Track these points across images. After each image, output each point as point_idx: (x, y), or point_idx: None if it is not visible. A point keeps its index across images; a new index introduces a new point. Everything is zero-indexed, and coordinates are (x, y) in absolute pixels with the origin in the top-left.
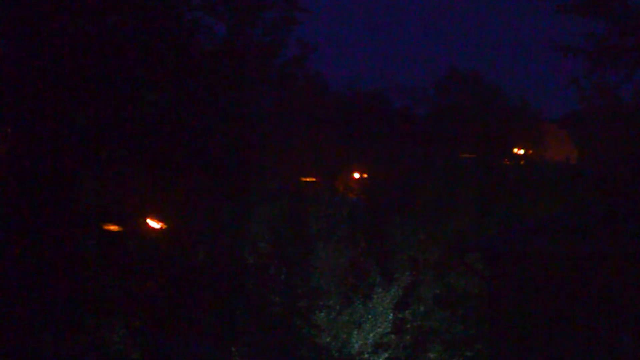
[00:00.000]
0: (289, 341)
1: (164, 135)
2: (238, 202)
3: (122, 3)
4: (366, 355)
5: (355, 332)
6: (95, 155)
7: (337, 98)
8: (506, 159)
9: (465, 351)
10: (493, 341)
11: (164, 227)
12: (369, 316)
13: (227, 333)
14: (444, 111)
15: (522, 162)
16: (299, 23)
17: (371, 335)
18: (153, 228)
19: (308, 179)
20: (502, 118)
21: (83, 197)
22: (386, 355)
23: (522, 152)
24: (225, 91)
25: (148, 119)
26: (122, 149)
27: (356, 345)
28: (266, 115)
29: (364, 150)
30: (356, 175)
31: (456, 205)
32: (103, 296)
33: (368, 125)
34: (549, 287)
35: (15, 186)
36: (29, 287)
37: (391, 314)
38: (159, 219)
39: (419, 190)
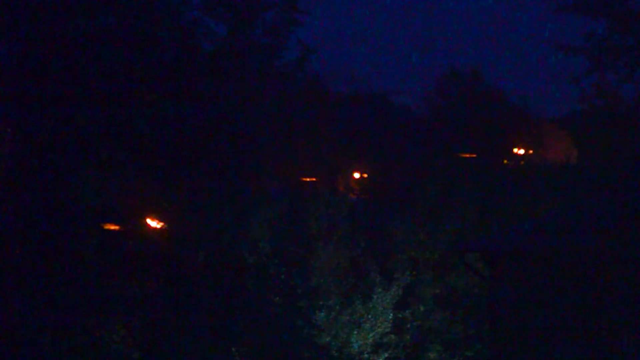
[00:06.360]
0: (289, 341)
1: (163, 135)
2: (238, 202)
3: (122, 3)
4: (366, 355)
5: (355, 332)
6: (95, 155)
7: (337, 98)
8: (506, 159)
9: (465, 351)
10: (493, 341)
11: (164, 227)
12: (369, 316)
13: (227, 333)
14: (444, 111)
15: (522, 162)
16: (299, 24)
17: (371, 335)
18: (153, 228)
19: (308, 179)
20: (502, 118)
21: (83, 197)
22: (386, 355)
23: (522, 152)
24: (225, 92)
25: (148, 119)
26: (123, 149)
27: (356, 345)
28: (266, 115)
29: (364, 150)
30: (356, 175)
31: (456, 205)
32: (103, 296)
33: (368, 125)
34: (549, 287)
35: (16, 186)
36: (29, 287)
37: (391, 314)
38: (159, 219)
39: (419, 190)
